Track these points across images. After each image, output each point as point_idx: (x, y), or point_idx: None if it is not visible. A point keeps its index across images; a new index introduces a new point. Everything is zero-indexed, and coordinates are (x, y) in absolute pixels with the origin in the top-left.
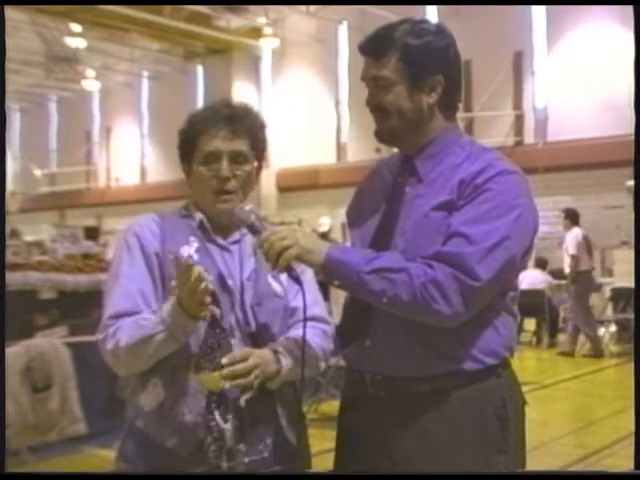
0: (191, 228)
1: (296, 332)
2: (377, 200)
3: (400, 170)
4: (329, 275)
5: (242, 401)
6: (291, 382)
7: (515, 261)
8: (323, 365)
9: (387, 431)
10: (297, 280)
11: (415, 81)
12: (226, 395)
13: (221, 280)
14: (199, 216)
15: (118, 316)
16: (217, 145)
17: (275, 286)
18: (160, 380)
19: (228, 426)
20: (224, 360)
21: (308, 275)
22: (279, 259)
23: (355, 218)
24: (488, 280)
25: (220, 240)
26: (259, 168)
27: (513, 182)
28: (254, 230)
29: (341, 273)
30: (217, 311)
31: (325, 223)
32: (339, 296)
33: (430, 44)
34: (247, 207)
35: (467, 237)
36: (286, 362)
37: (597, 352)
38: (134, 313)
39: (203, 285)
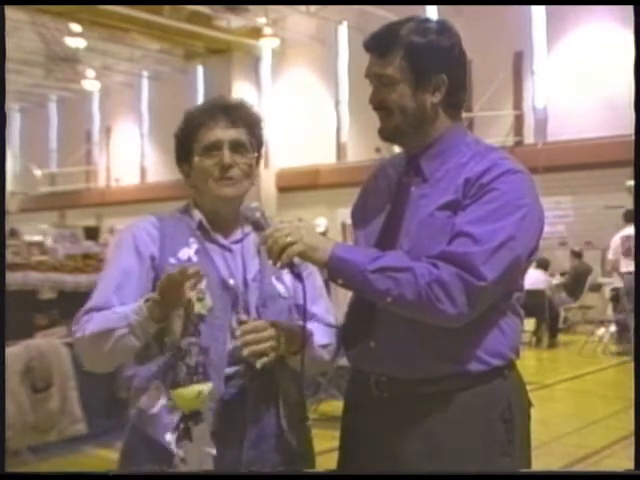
0: (190, 229)
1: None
2: (382, 200)
3: (405, 170)
4: (333, 273)
5: (258, 364)
6: (297, 383)
7: (520, 261)
8: (331, 366)
9: (391, 433)
10: (298, 277)
11: (419, 80)
12: (192, 419)
13: (221, 280)
14: (198, 216)
15: (90, 310)
16: (217, 135)
17: (279, 287)
18: (162, 383)
19: (180, 452)
20: (238, 332)
21: (318, 280)
22: (282, 255)
23: (360, 218)
24: (493, 280)
25: (221, 239)
26: (258, 161)
27: (519, 181)
28: (259, 227)
29: (345, 271)
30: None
31: (321, 224)
32: (339, 297)
33: (435, 43)
34: (253, 205)
35: (472, 237)
36: (310, 342)
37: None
38: (105, 309)
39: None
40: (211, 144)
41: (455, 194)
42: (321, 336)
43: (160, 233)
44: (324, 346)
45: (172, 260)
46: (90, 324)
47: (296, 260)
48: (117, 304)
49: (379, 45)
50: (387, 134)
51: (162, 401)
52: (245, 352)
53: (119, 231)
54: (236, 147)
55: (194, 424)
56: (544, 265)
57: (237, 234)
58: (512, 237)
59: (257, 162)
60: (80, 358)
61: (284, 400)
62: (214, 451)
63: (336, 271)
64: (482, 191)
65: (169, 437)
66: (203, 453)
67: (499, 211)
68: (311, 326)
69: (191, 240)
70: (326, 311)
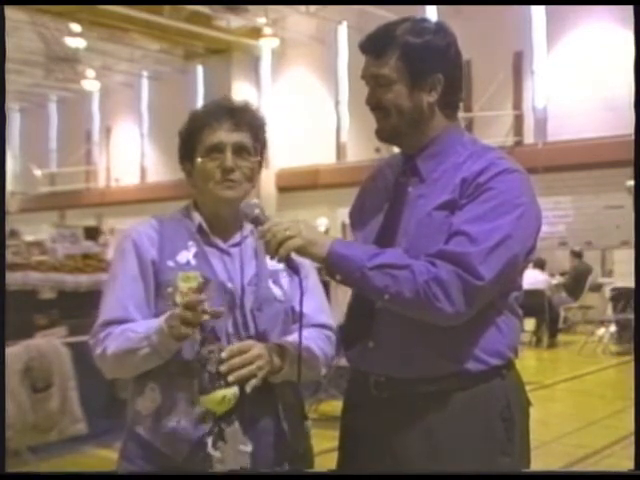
0: (190, 232)
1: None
2: (380, 200)
3: (402, 170)
4: (331, 269)
5: (248, 388)
6: (293, 384)
7: (518, 260)
8: (324, 370)
9: (391, 433)
10: (296, 271)
11: (415, 80)
12: (224, 421)
13: (219, 284)
14: (198, 219)
15: (108, 323)
16: (221, 137)
17: (275, 291)
18: (157, 385)
19: (217, 454)
20: (223, 354)
21: (312, 280)
22: (280, 249)
23: (358, 219)
24: (491, 279)
25: (220, 243)
26: (260, 164)
27: (515, 181)
28: (258, 223)
29: (343, 267)
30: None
31: (322, 224)
32: (339, 297)
33: (430, 43)
34: (252, 201)
35: (469, 236)
36: (291, 357)
37: None
38: (124, 321)
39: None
40: (213, 146)
41: (452, 194)
42: (321, 349)
43: (159, 236)
44: (314, 358)
45: (170, 263)
46: (110, 341)
47: (294, 256)
48: (135, 313)
49: (375, 46)
50: (384, 134)
51: (156, 404)
52: (231, 378)
53: (119, 235)
54: (239, 150)
55: (227, 426)
56: (540, 265)
57: (236, 237)
58: (509, 236)
59: (259, 165)
60: (101, 370)
61: (282, 400)
62: (249, 448)
63: (334, 267)
64: (479, 190)
65: (206, 440)
66: (238, 452)
67: (496, 210)
68: (314, 338)
69: (190, 243)
70: (320, 310)
